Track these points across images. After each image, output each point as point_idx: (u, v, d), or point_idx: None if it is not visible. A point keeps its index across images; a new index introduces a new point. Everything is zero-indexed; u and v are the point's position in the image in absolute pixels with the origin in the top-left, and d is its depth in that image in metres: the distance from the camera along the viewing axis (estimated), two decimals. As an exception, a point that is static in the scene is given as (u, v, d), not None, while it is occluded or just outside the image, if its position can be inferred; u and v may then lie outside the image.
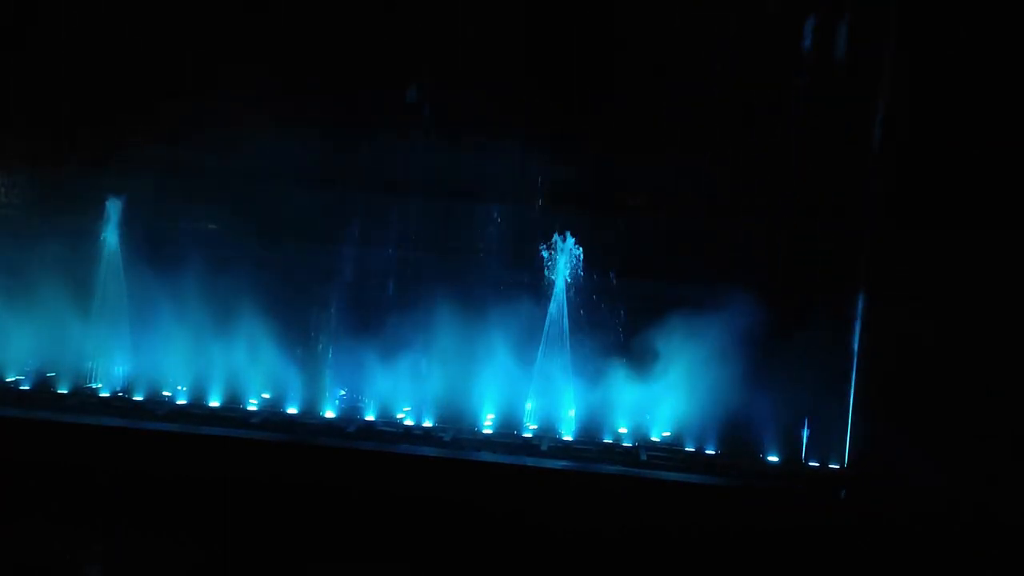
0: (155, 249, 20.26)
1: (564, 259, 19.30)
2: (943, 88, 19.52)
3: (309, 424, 18.57)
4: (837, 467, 18.03)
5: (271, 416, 18.74)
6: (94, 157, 21.57)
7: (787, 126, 19.42)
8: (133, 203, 20.37)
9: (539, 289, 19.55)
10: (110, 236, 20.15)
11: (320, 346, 20.02)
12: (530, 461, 17.31)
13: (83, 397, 19.00)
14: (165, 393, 19.25)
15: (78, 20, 21.32)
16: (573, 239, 19.31)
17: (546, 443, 18.15)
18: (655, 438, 18.63)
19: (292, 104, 20.83)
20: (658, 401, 19.09)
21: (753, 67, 20.02)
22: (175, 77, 21.35)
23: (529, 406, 18.96)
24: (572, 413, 18.93)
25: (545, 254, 19.38)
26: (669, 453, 18.09)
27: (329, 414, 19.01)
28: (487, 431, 18.59)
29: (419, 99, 20.61)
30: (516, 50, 20.75)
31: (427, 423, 18.77)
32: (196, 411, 18.74)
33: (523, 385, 19.13)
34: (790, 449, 18.41)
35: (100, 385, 19.41)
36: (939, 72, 19.43)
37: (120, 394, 19.24)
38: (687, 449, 18.36)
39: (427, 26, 20.85)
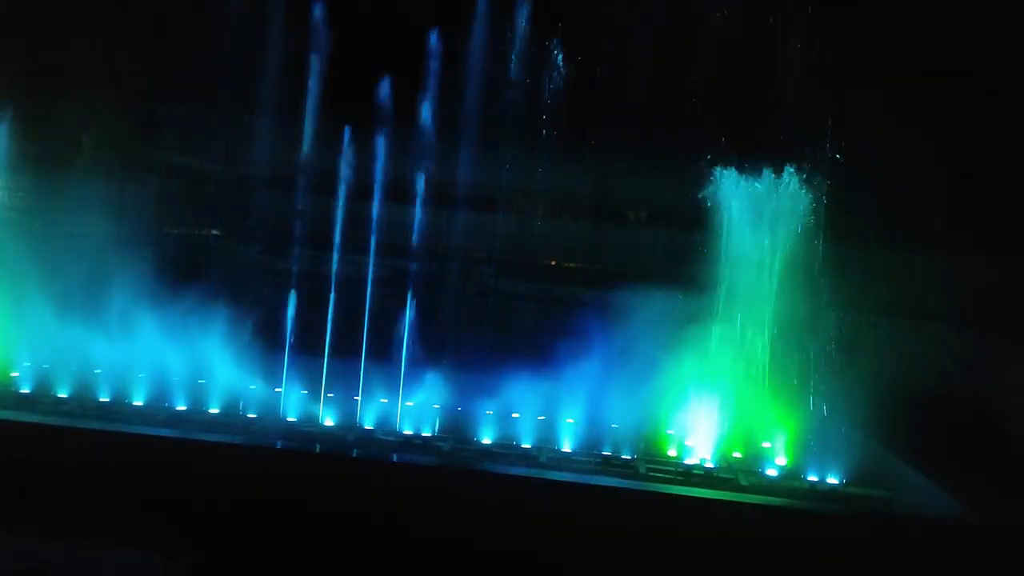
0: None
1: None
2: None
3: (308, 432, 18.56)
4: (836, 482, 17.96)
5: (271, 423, 18.74)
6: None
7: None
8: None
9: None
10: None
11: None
12: (529, 472, 17.28)
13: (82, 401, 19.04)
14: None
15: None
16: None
17: (545, 454, 18.12)
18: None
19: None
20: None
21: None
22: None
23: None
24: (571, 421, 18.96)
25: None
26: (668, 466, 18.05)
27: (328, 422, 19.01)
28: (486, 441, 18.56)
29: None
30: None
31: (426, 432, 18.77)
32: (196, 417, 18.76)
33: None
34: (790, 462, 18.44)
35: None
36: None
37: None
38: (686, 462, 18.33)
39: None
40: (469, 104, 21.47)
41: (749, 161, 18.99)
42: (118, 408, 18.96)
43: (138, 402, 19.22)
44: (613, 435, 18.61)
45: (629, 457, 18.24)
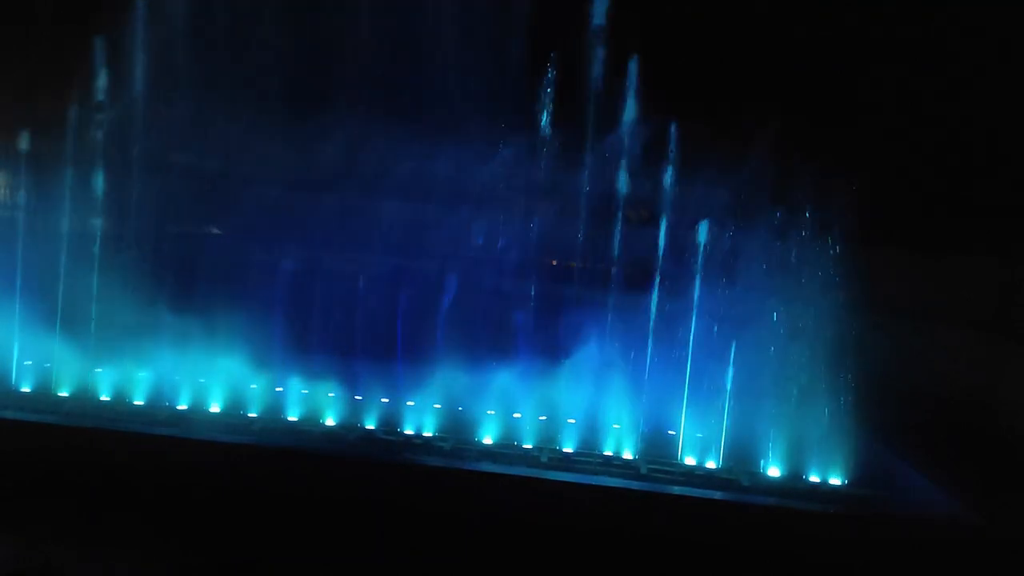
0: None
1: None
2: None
3: (309, 431, 18.53)
4: (837, 482, 17.96)
5: (271, 423, 18.72)
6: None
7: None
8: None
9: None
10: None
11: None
12: (530, 472, 17.29)
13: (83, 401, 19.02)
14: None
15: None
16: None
17: (546, 454, 18.11)
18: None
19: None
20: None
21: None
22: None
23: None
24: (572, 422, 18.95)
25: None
26: (669, 467, 18.04)
27: (329, 421, 19.00)
28: (487, 441, 18.54)
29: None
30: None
31: (427, 432, 18.75)
32: (197, 417, 18.73)
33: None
34: (791, 464, 18.44)
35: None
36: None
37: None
38: (687, 463, 18.32)
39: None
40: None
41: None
42: (118, 407, 18.96)
43: (139, 401, 19.23)
44: (615, 435, 18.63)
45: (631, 457, 18.26)
